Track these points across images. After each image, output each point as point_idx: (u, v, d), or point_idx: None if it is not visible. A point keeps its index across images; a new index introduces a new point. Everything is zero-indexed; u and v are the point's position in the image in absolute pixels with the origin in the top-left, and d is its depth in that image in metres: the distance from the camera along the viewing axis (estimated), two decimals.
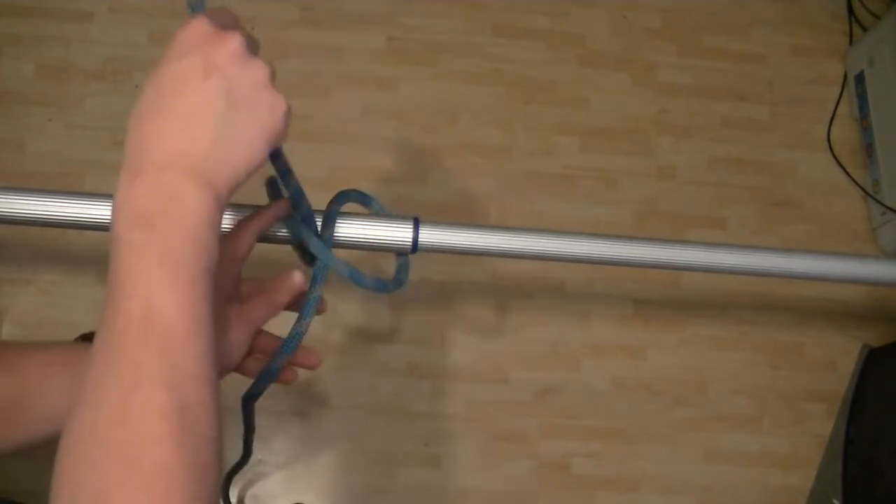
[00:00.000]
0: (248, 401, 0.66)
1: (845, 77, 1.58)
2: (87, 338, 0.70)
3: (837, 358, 1.45)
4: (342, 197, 0.69)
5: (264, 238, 0.67)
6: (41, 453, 0.49)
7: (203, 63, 0.46)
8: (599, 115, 1.52)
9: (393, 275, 0.69)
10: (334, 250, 0.67)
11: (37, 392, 0.55)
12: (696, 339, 1.43)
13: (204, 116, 0.46)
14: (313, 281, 0.65)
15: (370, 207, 0.71)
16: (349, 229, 0.69)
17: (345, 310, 1.36)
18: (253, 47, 0.50)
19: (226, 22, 0.49)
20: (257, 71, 0.49)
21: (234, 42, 0.47)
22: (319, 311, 0.64)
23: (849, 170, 1.53)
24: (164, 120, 0.46)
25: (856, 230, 1.52)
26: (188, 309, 0.42)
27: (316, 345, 0.73)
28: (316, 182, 1.42)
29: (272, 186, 0.64)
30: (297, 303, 0.64)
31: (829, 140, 1.55)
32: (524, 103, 1.51)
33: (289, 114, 0.54)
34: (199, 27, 0.47)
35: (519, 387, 1.38)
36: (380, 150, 1.45)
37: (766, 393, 1.42)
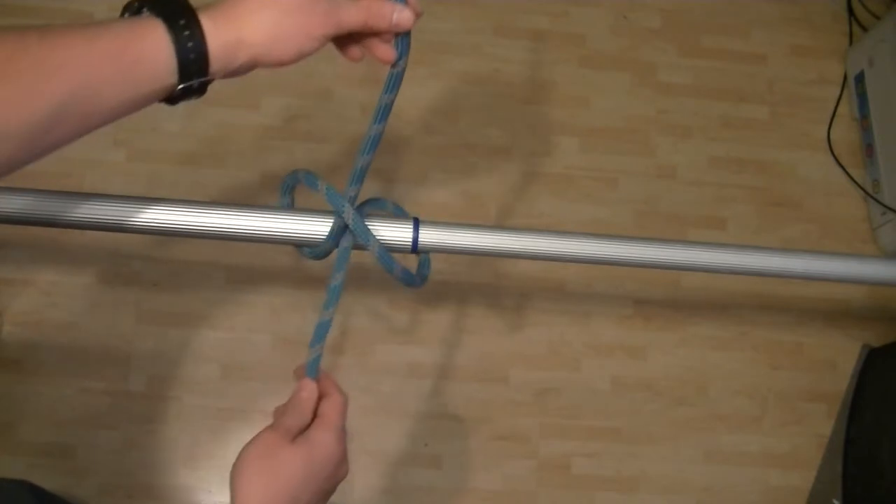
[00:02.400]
0: None
1: (845, 77, 1.58)
2: None
3: (837, 358, 1.45)
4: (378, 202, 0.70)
5: (267, 238, 0.67)
6: None
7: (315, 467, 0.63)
8: (599, 115, 1.52)
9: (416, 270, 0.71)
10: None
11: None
12: (696, 339, 1.43)
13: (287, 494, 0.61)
14: (338, 264, 0.68)
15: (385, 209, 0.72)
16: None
17: (344, 309, 1.37)
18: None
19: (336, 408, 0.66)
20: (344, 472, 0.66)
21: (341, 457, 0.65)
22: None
23: (849, 170, 1.53)
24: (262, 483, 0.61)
25: (856, 230, 1.52)
26: None
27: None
28: None
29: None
30: (383, 39, 0.64)
31: (829, 140, 1.55)
32: (524, 103, 1.51)
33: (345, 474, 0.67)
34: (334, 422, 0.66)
35: (519, 387, 1.38)
36: (380, 149, 1.44)
37: (766, 393, 1.42)
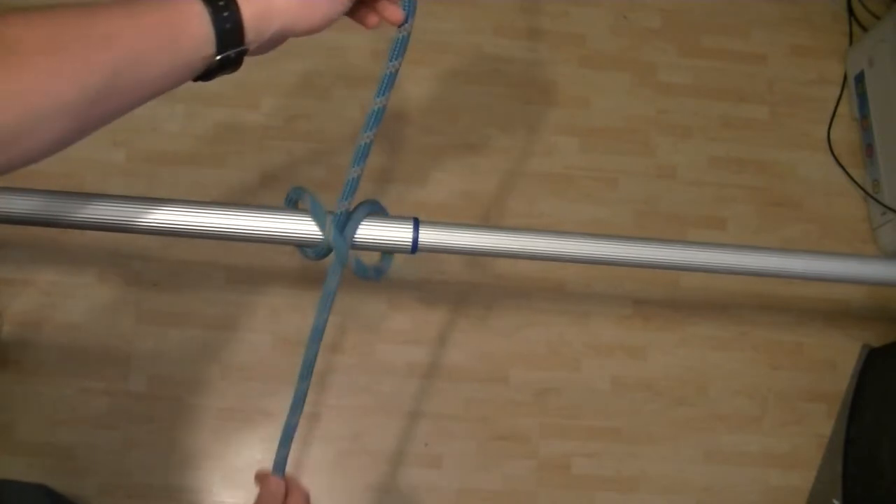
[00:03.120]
0: None
1: (845, 77, 1.58)
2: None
3: (837, 358, 1.45)
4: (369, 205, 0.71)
5: (267, 238, 0.67)
6: None
7: None
8: (599, 115, 1.52)
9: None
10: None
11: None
12: (696, 339, 1.43)
13: None
14: (330, 275, 0.69)
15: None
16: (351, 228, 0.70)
17: (345, 309, 1.37)
18: None
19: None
20: None
21: None
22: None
23: (849, 170, 1.53)
24: None
25: (856, 230, 1.52)
26: None
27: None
28: (316, 182, 1.43)
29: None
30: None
31: (829, 140, 1.55)
32: (524, 103, 1.51)
33: None
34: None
35: (519, 387, 1.38)
36: (380, 149, 1.45)
37: (766, 393, 1.42)
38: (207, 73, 0.56)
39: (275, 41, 0.59)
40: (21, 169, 0.48)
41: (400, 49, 0.63)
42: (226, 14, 0.53)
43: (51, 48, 0.46)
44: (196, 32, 0.52)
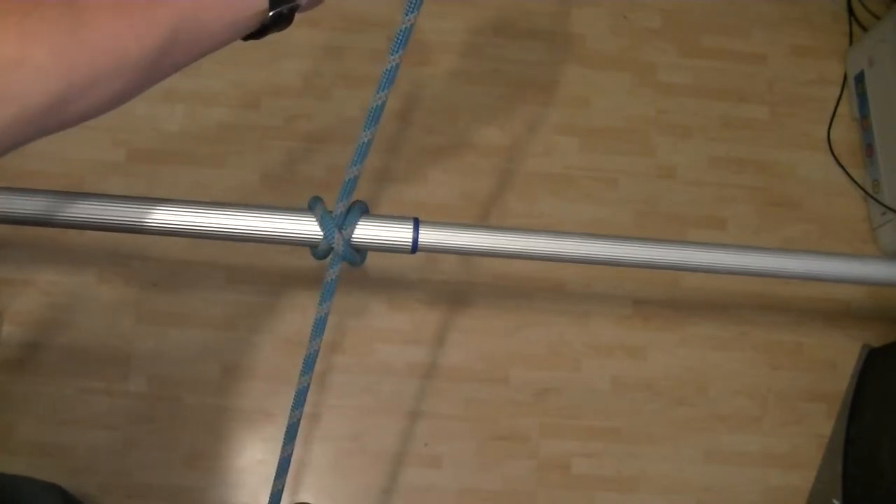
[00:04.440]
0: None
1: (845, 77, 1.58)
2: None
3: (837, 358, 1.45)
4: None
5: (267, 238, 0.68)
6: None
7: None
8: (599, 115, 1.52)
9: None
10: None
11: None
12: (696, 339, 1.43)
13: None
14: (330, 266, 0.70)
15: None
16: (350, 229, 0.70)
17: (345, 309, 1.37)
18: None
19: None
20: None
21: None
22: None
23: (849, 170, 1.53)
24: None
25: (856, 230, 1.52)
26: None
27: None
28: (316, 182, 1.43)
29: None
30: None
31: (829, 140, 1.55)
32: (524, 103, 1.51)
33: None
34: None
35: (519, 387, 1.38)
36: (380, 149, 1.45)
37: (766, 393, 1.42)
38: (261, 30, 0.57)
39: None
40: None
41: (402, 41, 0.63)
42: None
43: (115, 8, 0.47)
44: None
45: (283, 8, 0.56)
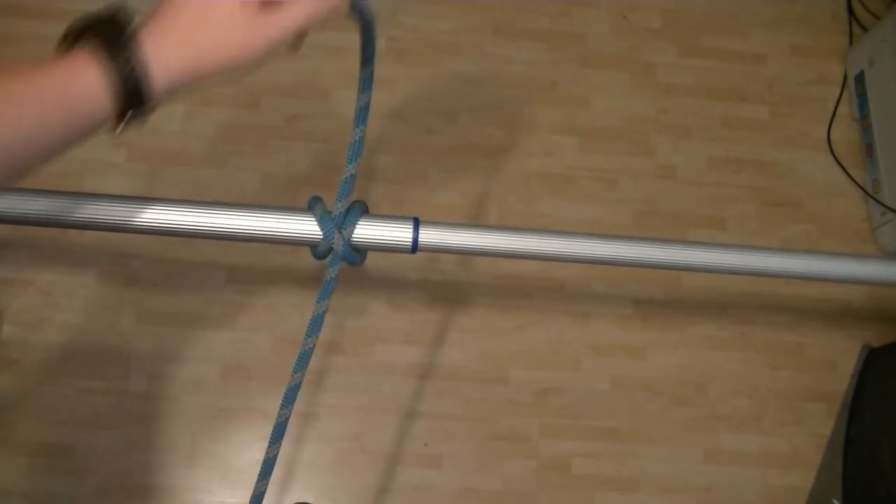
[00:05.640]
0: None
1: (845, 77, 1.58)
2: None
3: (837, 358, 1.45)
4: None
5: (267, 238, 0.68)
6: None
7: None
8: (599, 115, 1.52)
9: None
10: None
11: None
12: (696, 339, 1.43)
13: None
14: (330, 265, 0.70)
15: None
16: (350, 229, 0.70)
17: (344, 309, 1.37)
18: None
19: None
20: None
21: None
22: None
23: (849, 170, 1.53)
24: None
25: (856, 230, 1.52)
26: None
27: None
28: (316, 182, 1.43)
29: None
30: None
31: (829, 140, 1.55)
32: (524, 103, 1.51)
33: None
34: None
35: (519, 387, 1.38)
36: (380, 149, 1.45)
37: (766, 393, 1.42)
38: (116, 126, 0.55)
39: (187, 89, 0.55)
40: None
41: (362, 118, 0.65)
42: (126, 73, 0.51)
43: None
44: (94, 95, 0.51)
45: (134, 110, 0.53)
